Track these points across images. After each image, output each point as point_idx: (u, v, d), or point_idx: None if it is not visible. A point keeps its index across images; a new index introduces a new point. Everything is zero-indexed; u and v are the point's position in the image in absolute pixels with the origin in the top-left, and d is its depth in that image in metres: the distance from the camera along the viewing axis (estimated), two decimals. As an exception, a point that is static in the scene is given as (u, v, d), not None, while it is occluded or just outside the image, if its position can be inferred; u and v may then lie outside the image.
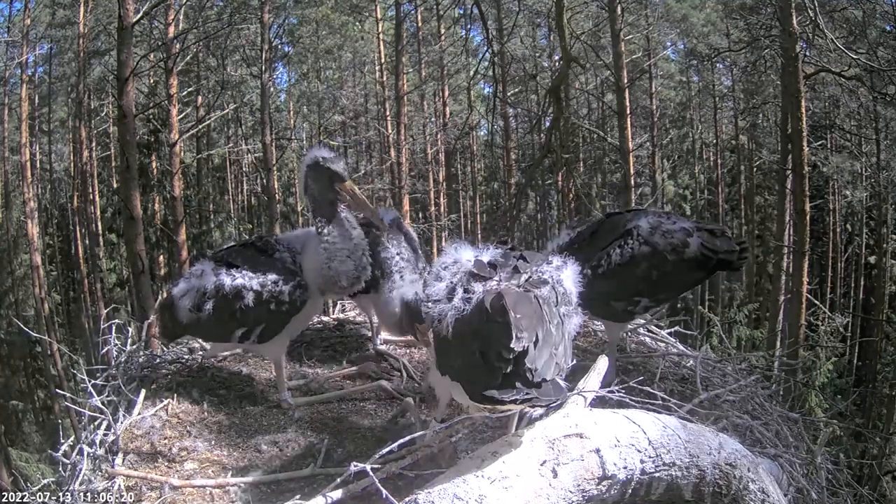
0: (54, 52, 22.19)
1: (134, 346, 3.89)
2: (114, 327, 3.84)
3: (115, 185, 22.59)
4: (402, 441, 2.34)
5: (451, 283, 2.38)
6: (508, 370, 2.12)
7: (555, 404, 2.22)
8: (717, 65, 22.96)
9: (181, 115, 18.50)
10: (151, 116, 18.57)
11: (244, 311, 3.34)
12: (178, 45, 17.05)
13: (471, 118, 21.99)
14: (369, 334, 4.38)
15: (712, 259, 3.39)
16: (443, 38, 22.28)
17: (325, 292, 3.46)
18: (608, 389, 2.55)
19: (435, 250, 17.11)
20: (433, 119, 25.49)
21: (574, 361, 2.52)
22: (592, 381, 2.56)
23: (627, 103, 16.61)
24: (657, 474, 2.18)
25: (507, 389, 2.11)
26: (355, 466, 2.18)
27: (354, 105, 25.75)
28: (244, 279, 3.36)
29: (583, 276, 3.32)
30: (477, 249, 2.55)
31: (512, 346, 2.10)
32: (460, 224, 24.89)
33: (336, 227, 3.33)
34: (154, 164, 19.87)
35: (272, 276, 3.36)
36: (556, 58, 20.88)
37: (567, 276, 2.54)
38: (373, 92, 24.99)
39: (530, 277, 2.40)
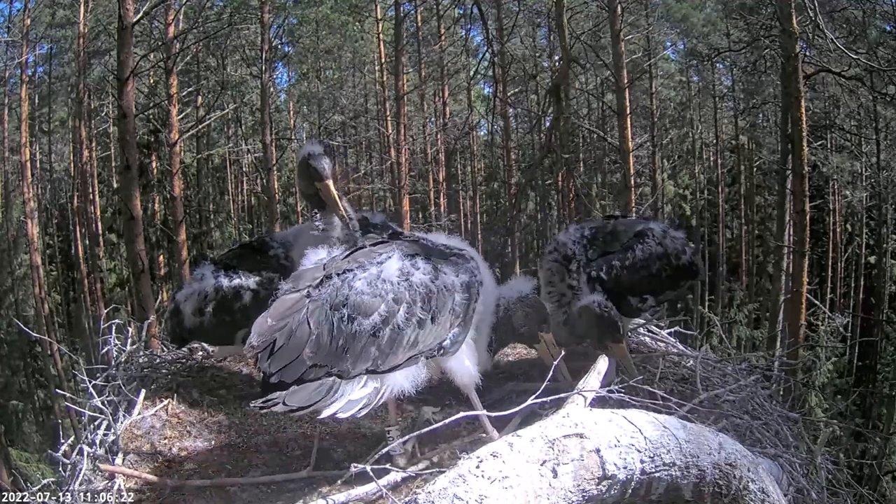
0: (54, 52, 22.17)
1: (134, 346, 3.90)
2: (114, 327, 3.85)
3: (115, 185, 22.57)
4: (375, 454, 2.38)
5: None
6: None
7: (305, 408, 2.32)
8: (717, 65, 22.96)
9: (181, 115, 18.49)
10: (151, 116, 18.57)
11: (244, 311, 3.35)
12: (178, 45, 17.05)
13: (471, 118, 21.97)
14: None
15: (694, 268, 3.73)
16: (443, 38, 22.24)
17: None
18: (608, 389, 2.55)
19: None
20: (433, 119, 25.46)
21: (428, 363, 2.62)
22: (592, 381, 2.56)
23: (627, 103, 16.57)
24: (657, 474, 2.18)
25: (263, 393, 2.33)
26: (355, 468, 2.19)
27: (354, 105, 25.75)
28: (241, 279, 3.37)
29: (610, 269, 3.51)
30: (329, 250, 2.81)
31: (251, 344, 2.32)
32: (460, 224, 24.87)
33: (337, 216, 3.33)
34: (154, 164, 19.87)
35: (267, 274, 3.37)
36: (556, 58, 20.84)
37: (390, 266, 2.57)
38: (373, 92, 24.97)
39: (321, 281, 2.50)
